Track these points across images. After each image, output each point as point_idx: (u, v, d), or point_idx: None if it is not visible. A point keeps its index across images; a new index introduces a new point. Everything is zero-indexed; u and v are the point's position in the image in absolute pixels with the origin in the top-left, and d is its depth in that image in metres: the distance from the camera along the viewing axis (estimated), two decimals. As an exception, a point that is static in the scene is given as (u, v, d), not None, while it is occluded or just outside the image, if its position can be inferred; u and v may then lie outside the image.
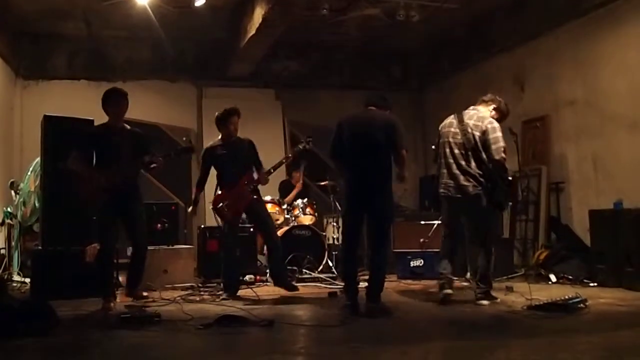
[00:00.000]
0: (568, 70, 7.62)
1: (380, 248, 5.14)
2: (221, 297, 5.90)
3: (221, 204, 6.11)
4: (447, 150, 5.41)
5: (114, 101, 5.45)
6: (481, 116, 5.37)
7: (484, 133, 5.24)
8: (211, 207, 6.23)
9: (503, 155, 5.18)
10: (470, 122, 5.34)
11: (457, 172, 5.33)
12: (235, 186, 6.10)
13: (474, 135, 5.27)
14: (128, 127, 5.58)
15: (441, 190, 5.48)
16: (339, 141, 5.26)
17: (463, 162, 5.31)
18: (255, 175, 6.18)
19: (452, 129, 5.42)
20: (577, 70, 7.48)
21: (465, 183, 5.28)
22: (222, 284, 6.24)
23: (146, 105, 9.34)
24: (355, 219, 5.20)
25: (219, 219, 6.20)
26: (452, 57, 10.06)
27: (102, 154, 5.36)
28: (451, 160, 5.38)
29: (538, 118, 8.10)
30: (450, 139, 5.40)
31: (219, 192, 6.17)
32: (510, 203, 5.41)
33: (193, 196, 6.42)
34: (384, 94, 5.69)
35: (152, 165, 5.52)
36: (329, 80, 10.66)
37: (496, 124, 5.29)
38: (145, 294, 5.52)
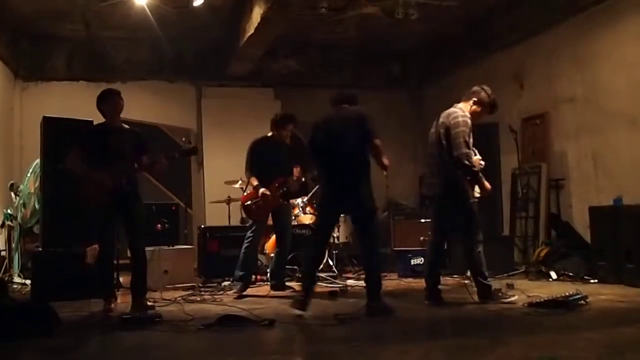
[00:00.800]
0: (567, 68, 7.62)
1: (372, 246, 5.06)
2: (233, 289, 5.95)
3: (249, 202, 6.23)
4: (429, 150, 5.50)
5: (108, 100, 5.41)
6: (449, 112, 5.32)
7: (448, 129, 5.21)
8: (240, 202, 6.47)
9: (463, 150, 5.06)
10: (440, 121, 5.36)
11: (428, 170, 5.45)
12: (268, 187, 6.16)
13: (439, 133, 5.29)
14: (126, 126, 5.55)
15: (424, 190, 5.65)
16: (316, 143, 5.24)
17: (433, 161, 5.36)
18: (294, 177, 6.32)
19: (432, 130, 5.48)
20: (576, 67, 7.48)
21: (434, 181, 5.34)
22: (235, 277, 6.23)
23: (145, 106, 9.36)
24: (333, 219, 5.24)
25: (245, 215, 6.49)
26: (451, 55, 10.06)
27: (101, 153, 5.32)
28: (427, 160, 5.52)
29: (537, 115, 8.10)
30: (429, 140, 5.48)
31: (250, 191, 6.29)
32: (477, 198, 5.30)
33: (255, 183, 6.23)
34: (352, 91, 5.59)
35: (155, 167, 5.48)
36: (328, 79, 10.64)
37: (461, 119, 5.17)
38: (150, 303, 5.45)
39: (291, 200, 8.07)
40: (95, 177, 5.21)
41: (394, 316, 4.82)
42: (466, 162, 5.07)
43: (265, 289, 6.51)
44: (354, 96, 5.40)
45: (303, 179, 6.45)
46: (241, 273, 6.15)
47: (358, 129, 5.05)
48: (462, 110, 5.31)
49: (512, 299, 5.23)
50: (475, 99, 5.38)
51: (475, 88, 5.44)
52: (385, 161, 5.07)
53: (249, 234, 6.26)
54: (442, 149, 5.25)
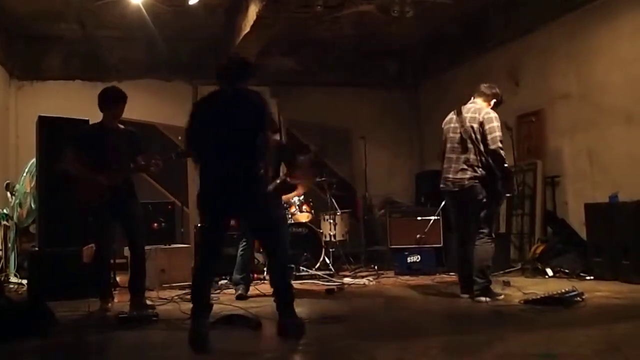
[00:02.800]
0: (562, 64, 7.63)
1: (277, 257, 4.26)
2: (235, 296, 5.89)
3: None
4: (449, 145, 5.46)
5: (113, 103, 5.39)
6: (478, 108, 5.41)
7: (481, 124, 5.28)
8: None
9: (499, 144, 5.21)
10: (468, 115, 5.38)
11: (455, 165, 5.38)
12: None
13: (472, 127, 5.31)
14: (122, 126, 5.54)
15: (441, 185, 5.53)
16: (195, 129, 4.27)
17: (461, 155, 5.34)
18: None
19: (452, 125, 5.48)
20: (571, 64, 7.50)
21: (461, 175, 5.32)
22: (234, 280, 6.19)
23: (141, 105, 9.31)
24: (221, 226, 4.25)
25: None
26: (447, 53, 10.07)
27: (98, 154, 5.31)
28: (452, 155, 5.42)
29: (533, 112, 8.11)
30: (451, 134, 5.46)
31: None
32: (509, 194, 5.37)
33: None
34: (245, 59, 4.59)
35: (151, 167, 5.46)
36: (324, 77, 10.64)
37: (493, 115, 5.33)
38: (149, 302, 5.43)
39: (286, 198, 8.06)
40: (91, 177, 5.20)
41: (392, 313, 4.81)
42: (502, 155, 5.20)
43: (263, 287, 6.50)
44: (246, 65, 4.40)
45: (287, 179, 6.34)
46: (239, 276, 6.04)
47: (253, 115, 4.18)
48: (487, 107, 5.44)
49: (501, 297, 5.25)
50: (495, 100, 5.53)
51: (495, 90, 5.56)
52: (265, 165, 4.27)
53: (242, 239, 6.12)
54: (477, 143, 5.28)
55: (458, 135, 5.39)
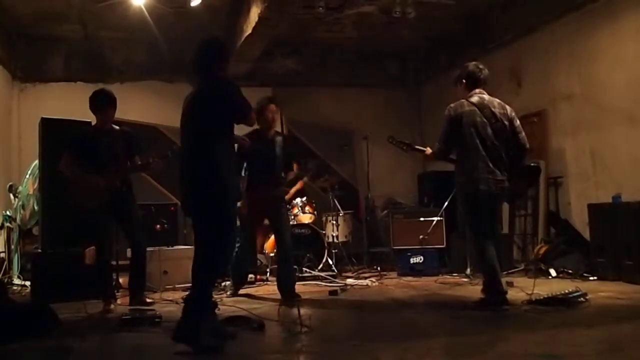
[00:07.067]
0: (565, 65, 7.62)
1: (197, 259, 3.89)
2: (227, 291, 5.93)
3: (238, 205, 5.77)
4: (477, 141, 4.93)
5: (103, 105, 5.43)
6: (501, 103, 5.11)
7: (511, 121, 5.05)
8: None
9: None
10: (497, 110, 5.02)
11: (492, 167, 4.95)
12: (258, 188, 5.90)
13: (504, 124, 5.01)
14: (117, 127, 5.56)
15: (482, 187, 4.90)
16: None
17: (495, 154, 4.97)
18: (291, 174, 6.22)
19: (478, 118, 4.95)
20: (573, 64, 7.48)
21: (502, 177, 4.98)
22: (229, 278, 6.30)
23: (144, 106, 9.35)
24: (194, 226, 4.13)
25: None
26: (449, 53, 10.06)
27: (94, 156, 5.33)
28: (484, 153, 4.94)
29: (535, 113, 8.10)
30: (480, 129, 4.94)
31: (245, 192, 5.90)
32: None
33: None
34: (213, 43, 4.35)
35: (149, 167, 5.48)
36: (326, 78, 10.65)
37: None
38: (149, 300, 5.45)
39: (292, 200, 8.04)
40: (88, 179, 5.22)
41: (395, 314, 4.78)
42: None
43: (265, 288, 6.51)
44: (210, 53, 4.22)
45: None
46: (233, 273, 6.16)
47: (210, 104, 4.02)
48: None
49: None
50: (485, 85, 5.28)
51: (487, 73, 5.30)
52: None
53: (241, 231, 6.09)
54: (509, 141, 5.01)
55: (490, 132, 4.96)
